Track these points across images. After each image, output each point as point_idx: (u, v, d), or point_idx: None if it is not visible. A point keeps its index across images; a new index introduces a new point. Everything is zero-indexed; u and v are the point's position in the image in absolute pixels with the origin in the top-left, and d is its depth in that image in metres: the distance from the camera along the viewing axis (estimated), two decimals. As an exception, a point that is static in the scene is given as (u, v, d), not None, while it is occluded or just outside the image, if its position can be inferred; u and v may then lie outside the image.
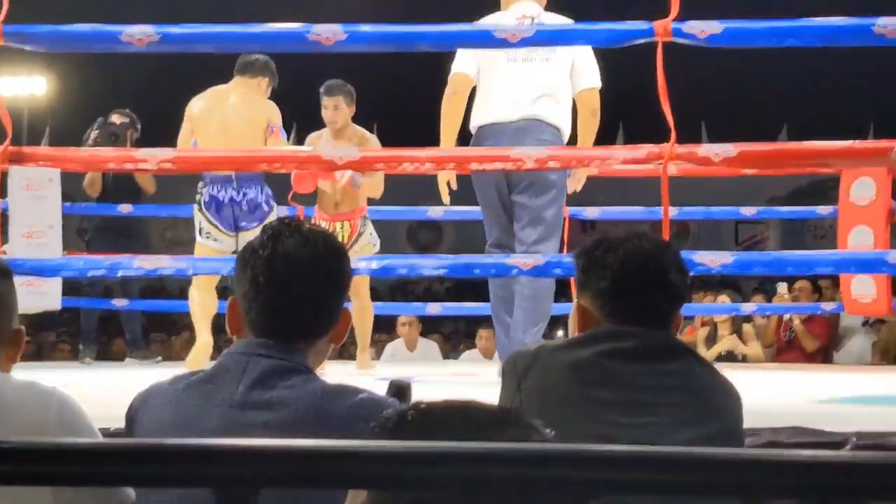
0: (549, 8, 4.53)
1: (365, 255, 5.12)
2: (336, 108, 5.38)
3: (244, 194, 5.16)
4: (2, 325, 1.87)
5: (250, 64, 5.35)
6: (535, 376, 1.97)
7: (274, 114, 5.28)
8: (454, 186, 4.62)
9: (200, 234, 5.31)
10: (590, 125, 4.44)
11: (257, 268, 1.75)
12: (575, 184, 4.51)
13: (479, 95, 4.48)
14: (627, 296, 1.97)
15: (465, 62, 4.47)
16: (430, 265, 3.64)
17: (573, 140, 4.48)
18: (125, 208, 6.83)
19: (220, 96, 5.34)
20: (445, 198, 4.70)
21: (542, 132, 4.31)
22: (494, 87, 4.42)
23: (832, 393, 4.35)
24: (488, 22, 4.34)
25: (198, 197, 5.29)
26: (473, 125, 4.46)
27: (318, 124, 5.54)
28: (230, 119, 5.19)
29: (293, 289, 1.75)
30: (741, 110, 12.83)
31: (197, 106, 5.34)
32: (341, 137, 5.36)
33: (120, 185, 6.82)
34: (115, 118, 6.71)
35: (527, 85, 4.36)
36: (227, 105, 5.27)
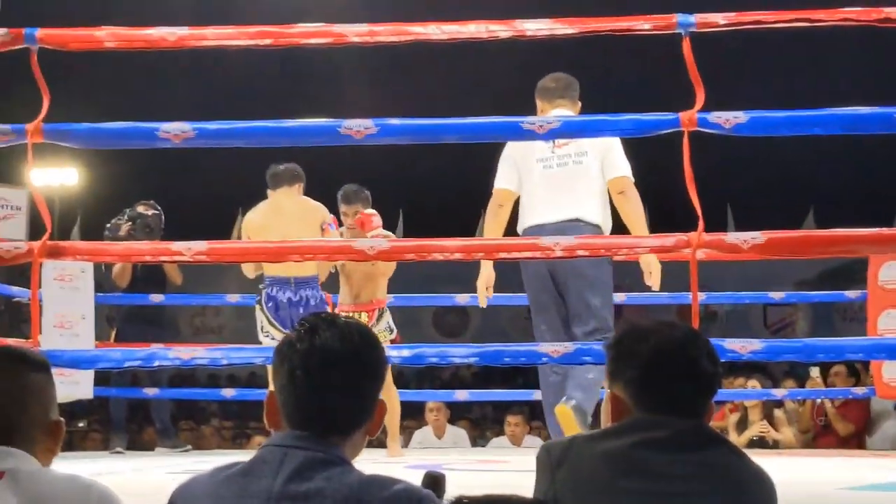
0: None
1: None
2: (356, 214, 5.58)
3: (301, 296, 5.38)
4: (39, 418, 1.90)
5: (287, 174, 5.71)
6: (568, 467, 1.97)
7: (324, 213, 5.58)
8: (490, 294, 4.74)
9: (261, 331, 5.59)
10: (625, 209, 4.49)
11: (294, 361, 1.78)
12: (649, 279, 4.54)
13: (521, 204, 4.62)
14: (659, 385, 1.98)
15: (505, 177, 4.63)
16: (461, 354, 3.67)
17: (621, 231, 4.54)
18: (157, 297, 6.90)
19: (274, 209, 5.68)
20: (483, 302, 4.82)
21: (581, 232, 4.36)
22: (534, 194, 4.55)
23: (864, 480, 4.31)
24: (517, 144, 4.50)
25: (259, 297, 5.62)
26: (518, 229, 4.60)
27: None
28: (288, 228, 5.43)
29: (329, 383, 1.77)
30: (767, 193, 12.88)
31: (254, 221, 5.69)
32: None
33: (148, 276, 6.90)
34: (143, 209, 6.81)
35: (562, 188, 4.48)
36: (283, 216, 5.59)
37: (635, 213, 4.50)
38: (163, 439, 7.02)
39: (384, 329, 5.82)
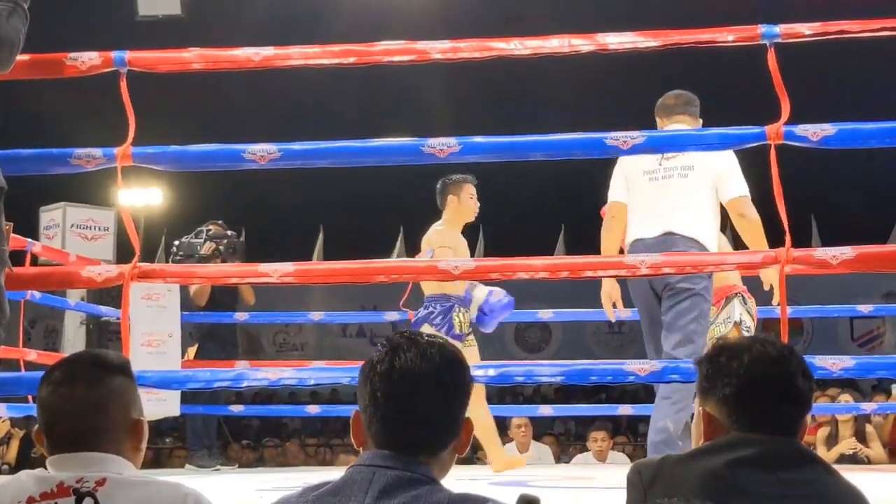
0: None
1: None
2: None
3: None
4: (122, 419, 1.97)
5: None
6: (661, 487, 1.96)
7: (431, 239, 5.62)
8: (620, 306, 4.72)
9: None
10: (746, 230, 4.44)
11: (376, 383, 1.79)
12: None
13: (629, 217, 4.62)
14: (754, 403, 1.96)
15: (617, 190, 4.65)
16: (547, 373, 3.65)
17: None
18: (241, 316, 6.98)
19: None
20: (611, 315, 4.80)
21: (677, 245, 4.35)
22: (637, 206, 4.56)
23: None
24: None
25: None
26: (625, 242, 4.61)
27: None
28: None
29: (411, 403, 1.77)
30: (852, 206, 12.68)
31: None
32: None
33: (223, 296, 6.97)
34: (215, 229, 6.87)
35: (663, 200, 4.46)
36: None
37: (752, 234, 4.43)
38: (199, 456, 6.94)
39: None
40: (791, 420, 1.98)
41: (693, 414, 4.17)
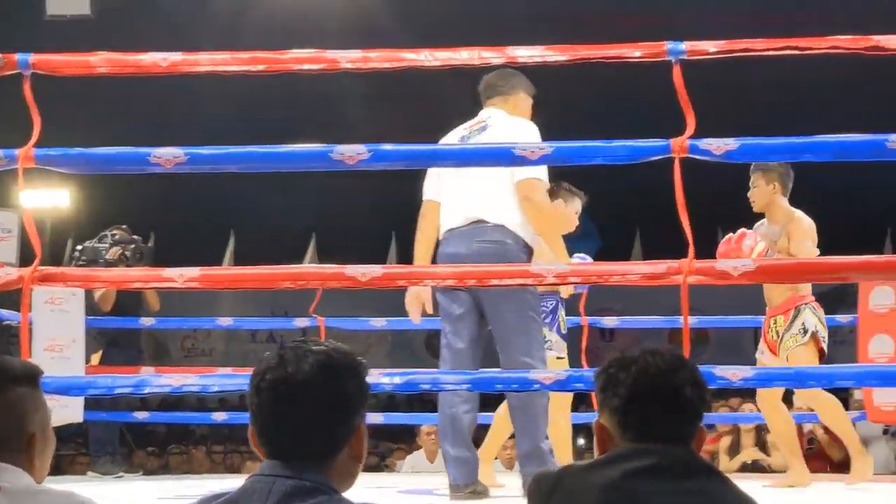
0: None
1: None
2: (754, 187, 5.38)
3: None
4: (12, 427, 1.93)
5: None
6: (560, 498, 1.98)
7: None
8: (428, 309, 4.56)
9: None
10: (532, 216, 4.30)
11: (258, 393, 1.81)
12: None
13: (442, 205, 4.51)
14: (640, 413, 1.99)
15: (428, 187, 4.56)
16: (453, 381, 3.67)
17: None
18: (147, 321, 6.89)
19: None
20: (416, 318, 4.64)
21: (485, 234, 4.27)
22: (447, 196, 4.46)
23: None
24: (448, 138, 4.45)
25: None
26: (440, 234, 4.50)
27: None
28: None
29: (289, 413, 1.79)
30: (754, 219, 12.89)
31: None
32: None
33: (129, 301, 6.86)
34: (120, 233, 6.78)
35: (468, 189, 4.35)
36: None
37: (537, 221, 4.32)
38: (101, 463, 6.80)
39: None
40: (681, 430, 2.01)
41: None
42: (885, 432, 7.80)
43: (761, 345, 5.41)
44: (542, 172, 4.29)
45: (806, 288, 5.15)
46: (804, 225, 5.20)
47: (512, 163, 3.80)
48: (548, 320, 5.28)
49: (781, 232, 5.20)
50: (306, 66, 3.64)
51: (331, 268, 3.62)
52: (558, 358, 5.30)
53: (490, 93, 4.61)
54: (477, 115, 4.58)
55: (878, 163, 3.72)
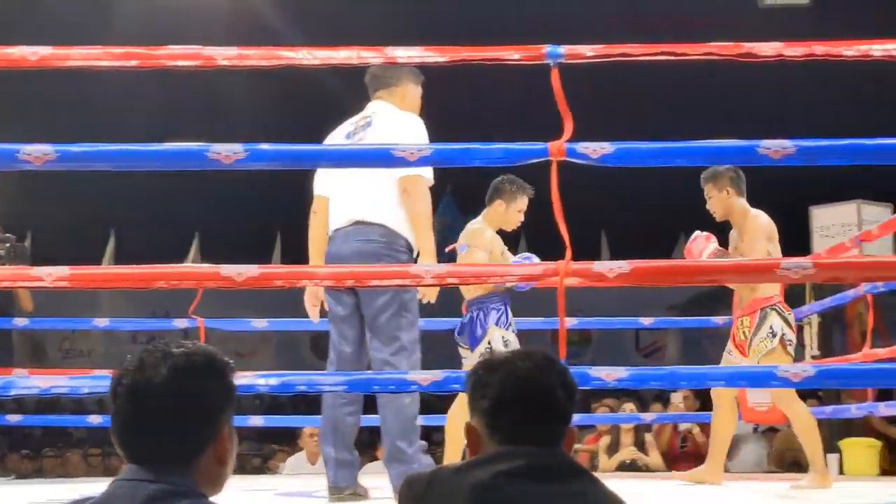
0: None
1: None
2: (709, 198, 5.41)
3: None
4: None
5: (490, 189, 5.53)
6: (432, 500, 1.97)
7: (472, 235, 5.41)
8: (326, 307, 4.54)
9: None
10: (409, 211, 4.29)
11: (118, 395, 1.80)
12: (420, 295, 4.39)
13: (330, 203, 4.51)
14: (508, 416, 1.99)
15: (318, 182, 4.55)
16: (329, 382, 3.64)
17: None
18: (21, 321, 6.72)
19: None
20: (314, 317, 4.65)
21: (366, 234, 4.29)
22: (334, 193, 4.47)
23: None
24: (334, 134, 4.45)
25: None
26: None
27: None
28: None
29: (142, 416, 1.78)
30: (642, 221, 13.11)
31: None
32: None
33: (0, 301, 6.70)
34: None
35: (351, 188, 4.36)
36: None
37: (412, 216, 4.29)
38: None
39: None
40: (550, 432, 2.02)
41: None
42: (755, 430, 7.98)
43: (729, 345, 5.44)
44: (425, 170, 4.28)
45: (773, 289, 5.19)
46: (756, 223, 5.28)
47: (392, 164, 3.79)
48: (502, 321, 5.34)
49: (739, 232, 5.30)
50: (181, 63, 3.57)
51: (206, 268, 3.57)
52: None
53: (376, 85, 4.57)
54: (364, 109, 4.55)
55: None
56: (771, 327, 5.18)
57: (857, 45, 3.64)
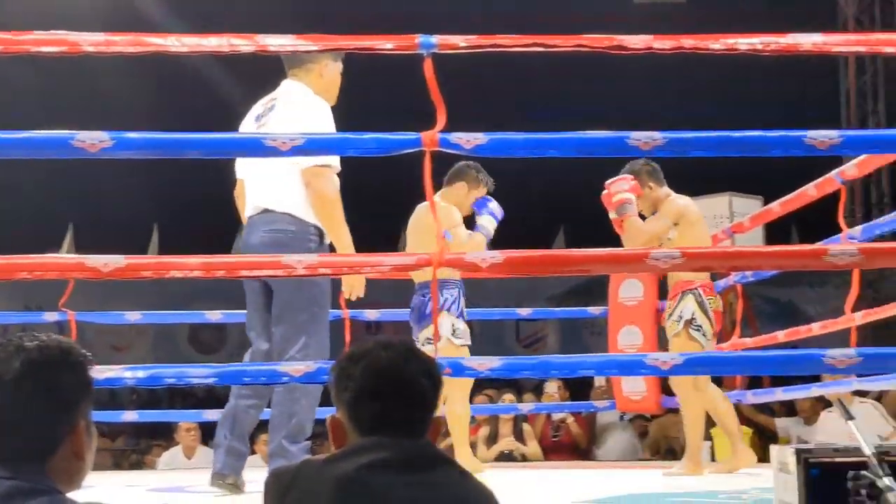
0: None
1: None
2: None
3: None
4: None
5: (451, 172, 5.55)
6: (297, 494, 1.94)
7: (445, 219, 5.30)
8: None
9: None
10: (314, 204, 4.19)
11: None
12: (346, 290, 4.30)
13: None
14: (372, 407, 1.98)
15: (238, 165, 4.49)
16: (200, 374, 3.58)
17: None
18: None
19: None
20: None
21: (272, 223, 4.21)
22: (246, 181, 4.41)
23: (596, 493, 4.46)
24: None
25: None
26: None
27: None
28: (410, 237, 5.53)
29: None
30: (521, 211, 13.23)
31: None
32: None
33: None
34: None
35: (258, 177, 4.30)
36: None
37: (318, 209, 4.18)
38: None
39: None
40: (415, 422, 2.01)
41: None
42: (622, 419, 8.10)
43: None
44: (329, 159, 4.17)
45: (696, 274, 5.22)
46: (667, 207, 5.42)
47: (264, 154, 3.73)
48: (452, 308, 5.31)
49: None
50: (46, 49, 3.47)
51: (71, 258, 3.49)
52: (463, 346, 5.26)
53: (291, 62, 4.40)
54: (277, 88, 4.44)
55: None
56: (681, 312, 5.28)
57: (724, 38, 3.70)
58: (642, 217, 5.42)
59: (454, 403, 5.40)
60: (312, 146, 3.75)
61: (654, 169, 5.48)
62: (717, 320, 5.34)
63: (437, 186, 4.73)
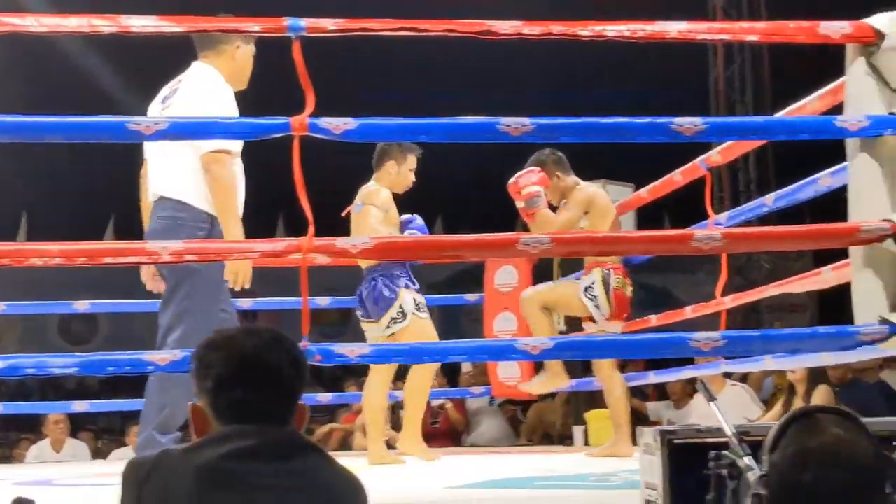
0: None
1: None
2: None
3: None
4: None
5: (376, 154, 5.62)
6: (156, 483, 1.90)
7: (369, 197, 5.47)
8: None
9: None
10: (211, 190, 4.07)
11: None
12: (230, 278, 4.11)
13: None
14: (233, 394, 1.94)
15: (145, 147, 4.29)
16: (60, 364, 3.47)
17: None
18: None
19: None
20: (150, 286, 4.37)
21: (164, 210, 4.12)
22: (149, 167, 4.29)
23: (469, 478, 4.49)
24: None
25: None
26: None
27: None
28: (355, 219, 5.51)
29: None
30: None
31: None
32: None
33: None
34: None
35: (156, 161, 4.19)
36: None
37: (215, 195, 4.07)
38: None
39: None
40: (279, 409, 1.98)
41: None
42: (491, 404, 8.16)
43: None
44: (228, 143, 4.05)
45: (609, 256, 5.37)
46: (575, 196, 5.51)
47: (128, 138, 3.63)
48: (410, 285, 5.38)
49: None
50: None
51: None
52: (426, 318, 5.38)
53: (202, 44, 4.27)
54: (187, 69, 4.31)
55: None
56: (584, 281, 5.46)
57: (593, 25, 3.73)
58: (552, 207, 5.47)
59: (370, 393, 5.42)
60: (177, 130, 3.66)
61: (560, 158, 5.55)
62: (624, 303, 5.49)
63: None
